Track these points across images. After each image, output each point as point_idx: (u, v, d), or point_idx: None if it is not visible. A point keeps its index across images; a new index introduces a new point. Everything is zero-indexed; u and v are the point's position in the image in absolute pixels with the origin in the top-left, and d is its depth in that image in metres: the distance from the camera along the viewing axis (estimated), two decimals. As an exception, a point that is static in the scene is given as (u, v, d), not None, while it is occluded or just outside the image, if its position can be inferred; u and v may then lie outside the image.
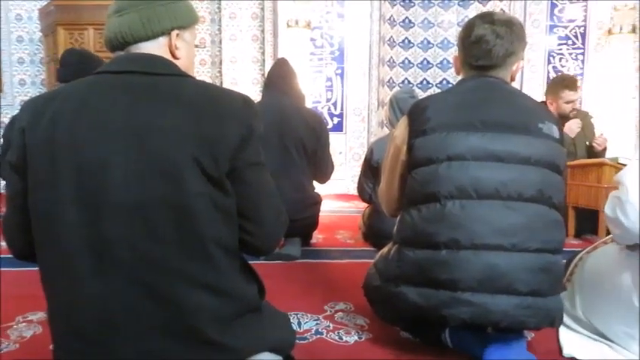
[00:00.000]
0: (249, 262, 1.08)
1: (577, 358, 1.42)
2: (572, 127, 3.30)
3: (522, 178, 1.29)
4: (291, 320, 1.60)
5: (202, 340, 0.95)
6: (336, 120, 5.17)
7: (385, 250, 1.50)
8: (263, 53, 5.08)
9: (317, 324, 1.64)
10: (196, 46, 5.28)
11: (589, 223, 2.94)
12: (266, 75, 3.00)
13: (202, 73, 5.12)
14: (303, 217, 2.50)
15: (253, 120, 0.99)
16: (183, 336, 0.94)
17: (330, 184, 4.17)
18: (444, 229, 1.29)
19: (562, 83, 3.39)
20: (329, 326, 1.63)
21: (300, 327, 1.61)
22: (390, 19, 5.27)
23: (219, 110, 0.96)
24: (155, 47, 1.02)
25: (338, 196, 4.78)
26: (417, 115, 1.39)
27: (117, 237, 0.91)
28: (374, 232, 2.62)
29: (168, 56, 1.03)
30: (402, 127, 1.44)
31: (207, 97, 0.98)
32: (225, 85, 5.01)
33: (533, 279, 1.27)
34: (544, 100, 3.53)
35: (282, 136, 2.45)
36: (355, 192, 2.90)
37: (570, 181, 3.04)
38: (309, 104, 4.25)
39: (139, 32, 1.00)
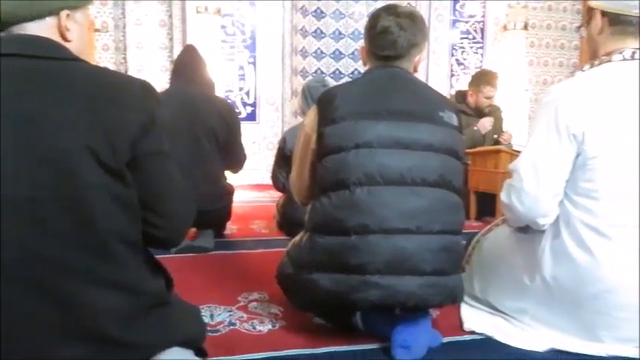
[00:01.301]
0: (160, 256, 1.04)
1: (476, 331, 1.53)
2: (486, 125, 3.51)
3: (425, 164, 1.35)
4: (204, 313, 1.57)
5: (107, 340, 0.90)
6: (249, 109, 5.11)
7: (297, 238, 1.51)
8: (171, 39, 4.88)
9: (230, 315, 1.62)
10: (98, 30, 4.95)
11: (489, 206, 3.15)
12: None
13: (105, 60, 4.82)
14: (216, 208, 2.45)
15: (154, 107, 0.95)
16: (86, 337, 0.89)
17: (245, 174, 4.13)
18: (353, 215, 1.32)
19: (484, 79, 3.59)
20: (242, 317, 1.62)
21: (212, 319, 1.58)
22: (302, 8, 5.27)
23: (115, 97, 0.91)
24: (42, 28, 0.94)
25: (252, 186, 4.75)
26: (325, 104, 1.41)
27: (6, 235, 0.84)
28: (288, 220, 2.63)
29: (58, 38, 0.95)
30: (311, 115, 1.45)
31: (102, 83, 0.92)
32: (132, 73, 4.77)
33: (436, 259, 1.34)
34: (466, 90, 3.70)
35: (192, 125, 2.38)
36: (270, 181, 2.89)
37: (472, 167, 3.25)
38: (220, 93, 4.16)
39: (23, 11, 0.92)
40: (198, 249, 2.38)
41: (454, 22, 5.23)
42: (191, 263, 2.22)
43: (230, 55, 4.95)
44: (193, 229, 2.52)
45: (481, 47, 5.28)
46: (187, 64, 2.54)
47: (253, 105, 5.12)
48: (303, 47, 5.35)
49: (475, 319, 1.58)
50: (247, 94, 5.09)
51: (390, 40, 1.42)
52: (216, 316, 1.61)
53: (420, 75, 5.09)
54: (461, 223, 1.43)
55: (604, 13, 1.44)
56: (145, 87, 0.97)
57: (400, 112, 1.37)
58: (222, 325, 1.55)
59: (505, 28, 5.11)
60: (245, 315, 1.63)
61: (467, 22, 5.25)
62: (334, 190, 1.35)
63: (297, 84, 5.05)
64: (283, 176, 2.65)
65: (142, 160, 0.93)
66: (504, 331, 1.50)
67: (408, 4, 5.12)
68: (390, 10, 1.45)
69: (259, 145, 5.15)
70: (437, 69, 5.23)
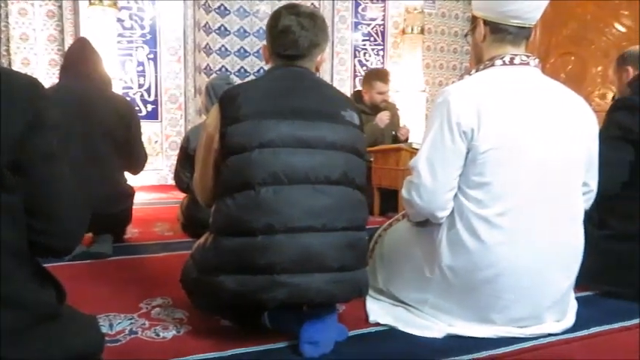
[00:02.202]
0: (50, 264, 0.96)
1: (380, 322, 1.58)
2: (383, 118, 3.65)
3: (329, 162, 1.38)
4: (102, 323, 1.48)
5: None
6: (150, 107, 4.90)
7: (202, 240, 1.48)
8: (62, 32, 4.55)
9: (131, 323, 1.55)
10: (-27, 19, 4.46)
11: (391, 201, 3.29)
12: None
13: (-17, 51, 4.39)
14: (114, 212, 2.32)
15: (41, 104, 0.88)
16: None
17: (147, 175, 3.95)
18: (259, 215, 1.31)
19: (375, 76, 3.75)
20: (145, 324, 1.54)
21: (111, 329, 1.50)
22: (204, 4, 5.15)
23: None
24: None
25: (155, 187, 4.56)
26: (228, 102, 1.39)
27: None
28: (193, 222, 2.56)
29: None
30: (213, 114, 1.42)
31: None
32: (16, 67, 4.38)
33: (342, 255, 1.37)
34: (360, 89, 3.84)
35: (86, 124, 2.23)
36: (173, 182, 2.79)
37: (374, 164, 3.37)
38: (118, 90, 3.95)
39: None
40: (95, 255, 2.24)
41: (356, 24, 5.39)
42: (87, 271, 2.08)
43: (128, 50, 4.72)
44: (89, 235, 2.36)
45: (382, 49, 5.49)
46: (79, 59, 2.37)
47: (154, 103, 4.92)
48: (207, 44, 5.24)
49: (379, 311, 1.64)
50: (148, 91, 4.88)
51: (291, 39, 1.43)
52: (116, 325, 1.53)
53: (325, 75, 5.22)
54: (364, 220, 1.47)
55: (486, 22, 1.56)
56: (32, 83, 0.89)
57: (303, 112, 1.39)
58: (122, 335, 1.47)
59: (404, 32, 5.36)
60: (147, 322, 1.56)
61: (369, 25, 5.44)
62: (239, 190, 1.34)
63: (201, 82, 4.93)
64: (187, 176, 2.57)
65: (28, 162, 0.85)
66: (406, 320, 1.57)
67: (312, 4, 5.20)
68: (291, 9, 1.46)
69: (162, 145, 4.96)
70: (340, 69, 5.37)
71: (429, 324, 1.54)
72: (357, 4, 5.37)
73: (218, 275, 1.35)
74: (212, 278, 1.36)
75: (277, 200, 1.31)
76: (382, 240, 1.81)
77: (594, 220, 1.62)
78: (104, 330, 1.39)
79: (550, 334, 1.52)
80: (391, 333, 1.53)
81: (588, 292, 1.90)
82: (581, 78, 4.71)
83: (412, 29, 5.28)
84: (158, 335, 1.47)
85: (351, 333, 1.50)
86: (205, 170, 1.47)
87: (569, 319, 1.60)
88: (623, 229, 1.85)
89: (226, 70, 5.36)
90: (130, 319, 1.58)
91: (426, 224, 1.57)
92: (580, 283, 1.65)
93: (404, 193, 1.55)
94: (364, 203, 1.47)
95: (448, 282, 1.52)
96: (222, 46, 5.35)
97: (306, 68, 1.48)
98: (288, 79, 1.45)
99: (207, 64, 5.23)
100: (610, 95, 3.77)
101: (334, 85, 5.19)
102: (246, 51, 5.42)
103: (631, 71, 2.03)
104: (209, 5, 5.20)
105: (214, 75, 5.02)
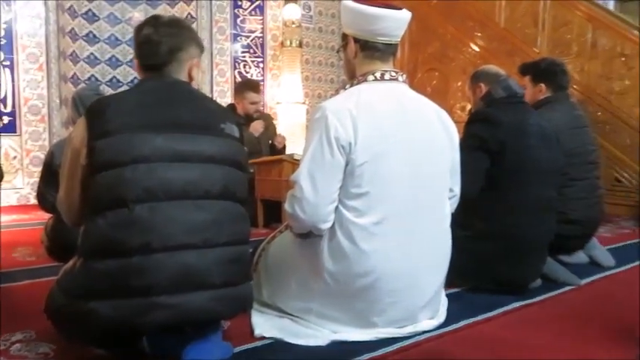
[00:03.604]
0: None
1: (266, 336, 1.57)
2: (257, 128, 3.67)
3: (208, 176, 1.34)
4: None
5: None
6: (6, 119, 4.41)
7: (69, 264, 1.36)
8: None
9: (-14, 364, 1.37)
10: None
11: (275, 212, 3.29)
12: None
13: None
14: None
15: None
16: None
17: (5, 195, 3.55)
18: (133, 234, 1.24)
19: (246, 86, 3.80)
20: (3, 363, 1.38)
21: (-39, 373, 1.31)
22: (69, 9, 4.79)
23: None
24: None
25: (15, 208, 4.12)
26: (96, 115, 1.30)
27: None
28: (59, 244, 2.33)
29: None
30: (80, 128, 1.32)
31: None
32: None
33: (225, 271, 1.34)
34: (233, 102, 3.84)
35: None
36: (36, 202, 2.54)
37: (257, 176, 3.36)
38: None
39: None
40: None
41: (235, 36, 5.36)
42: None
43: (-23, 55, 4.22)
44: None
45: (262, 61, 5.52)
46: None
47: (12, 115, 4.44)
48: (74, 51, 4.87)
49: (265, 325, 1.63)
50: (3, 101, 4.39)
51: (150, 48, 1.41)
52: (-34, 368, 1.34)
53: (204, 87, 5.12)
54: (247, 233, 1.46)
55: (356, 40, 1.65)
56: None
57: (180, 125, 1.34)
58: (-26, 379, 1.29)
59: (282, 44, 5.44)
60: (6, 361, 1.39)
61: (248, 37, 5.44)
62: (110, 208, 1.25)
63: (68, 91, 4.56)
64: (52, 195, 2.34)
65: None
66: (292, 331, 1.58)
67: (189, 14, 5.08)
68: (151, 20, 1.46)
69: (22, 161, 4.49)
70: (220, 81, 5.30)
71: (314, 332, 1.57)
72: (236, 16, 5.35)
73: (89, 301, 1.25)
74: (82, 305, 1.25)
75: (153, 217, 1.25)
76: (266, 252, 1.81)
77: (459, 222, 1.77)
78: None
79: (425, 332, 1.63)
80: (277, 345, 1.53)
81: (457, 288, 2.06)
82: (444, 92, 5.15)
83: (291, 42, 5.39)
84: (19, 374, 1.32)
85: (237, 349, 1.47)
86: (72, 188, 1.35)
87: (441, 316, 1.72)
88: (483, 229, 2.05)
89: (96, 79, 5.02)
90: (-16, 359, 1.40)
91: (309, 235, 1.59)
92: (449, 281, 1.79)
93: (287, 207, 1.57)
94: (246, 217, 1.45)
95: (331, 290, 1.56)
96: (92, 54, 5.00)
97: (178, 79, 1.44)
98: (162, 90, 1.40)
99: (74, 73, 4.86)
100: (469, 107, 4.16)
101: (214, 96, 5.10)
102: (118, 60, 5.12)
103: (483, 87, 2.26)
104: (75, 10, 4.84)
105: (82, 85, 4.68)
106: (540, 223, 2.07)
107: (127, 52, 5.10)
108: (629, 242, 3.13)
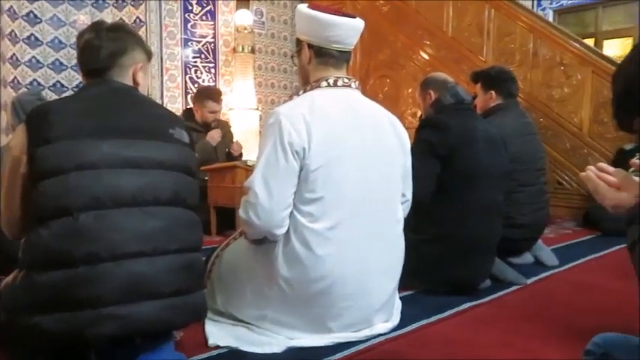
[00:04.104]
0: None
1: (220, 345, 1.55)
2: (214, 137, 3.62)
3: (158, 182, 1.31)
4: None
5: None
6: (-61, 125, 4.17)
7: (10, 278, 1.29)
8: None
9: None
10: None
11: (229, 220, 3.25)
12: None
13: None
14: None
15: None
16: None
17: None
18: (79, 244, 1.18)
19: (207, 95, 3.70)
20: None
21: None
22: (9, 10, 4.58)
23: None
24: None
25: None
26: (37, 121, 1.24)
27: None
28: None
29: None
30: (19, 135, 1.26)
31: None
32: None
33: (176, 279, 1.31)
34: (191, 107, 3.76)
35: None
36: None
37: (210, 183, 3.31)
38: None
39: None
40: None
41: (186, 40, 5.27)
42: None
43: None
44: None
45: (214, 67, 5.45)
46: None
47: (-55, 120, 4.20)
48: (14, 55, 4.66)
49: (219, 334, 1.60)
50: None
51: (92, 52, 1.39)
52: None
53: (154, 92, 5.00)
54: (199, 240, 1.43)
55: (310, 46, 1.66)
56: None
57: (128, 130, 1.30)
58: None
59: (234, 50, 5.40)
60: (-61, 383, 1.30)
61: (199, 42, 5.36)
62: (54, 218, 1.19)
63: (8, 96, 4.35)
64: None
65: None
66: (247, 339, 1.56)
67: (137, 18, 4.97)
68: (94, 25, 1.45)
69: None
70: (171, 86, 5.19)
71: (269, 340, 1.56)
72: (187, 21, 5.27)
73: (32, 316, 1.18)
74: (25, 320, 1.19)
75: (100, 226, 1.20)
76: (220, 260, 1.78)
77: (411, 226, 1.80)
78: None
79: (380, 335, 1.64)
80: (232, 354, 1.51)
81: (410, 291, 2.10)
82: (395, 98, 5.25)
83: (243, 48, 5.35)
84: (-47, 396, 1.24)
85: (190, 360, 1.44)
86: (12, 198, 1.28)
87: (396, 319, 1.75)
88: (434, 232, 2.10)
89: (38, 84, 4.81)
90: None
91: (264, 241, 1.58)
92: (402, 284, 1.82)
93: (241, 213, 1.55)
94: (198, 223, 1.42)
95: (286, 295, 1.55)
96: (33, 57, 4.80)
97: (124, 84, 1.40)
98: (106, 96, 1.36)
99: (15, 77, 4.65)
100: (419, 114, 4.26)
101: (165, 102, 5.00)
102: (62, 64, 4.94)
103: (432, 94, 2.32)
104: (14, 11, 4.63)
105: (24, 89, 4.48)
106: (489, 226, 2.14)
107: (72, 56, 4.92)
108: (570, 242, 3.28)
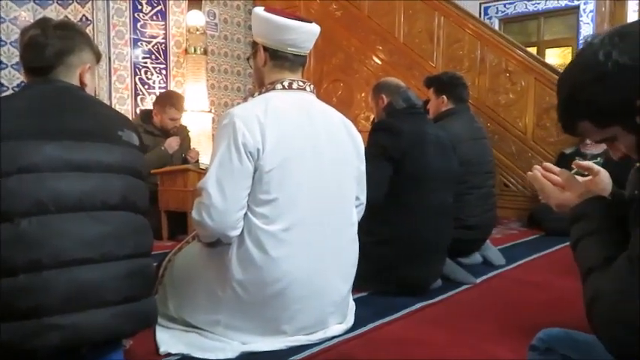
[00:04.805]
0: None
1: (172, 352, 1.51)
2: (172, 145, 3.52)
3: (105, 186, 1.26)
4: None
5: None
6: None
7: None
8: None
9: None
10: None
11: (180, 224, 3.18)
12: None
13: None
14: None
15: None
16: None
17: None
18: (20, 251, 1.13)
19: (169, 101, 3.58)
20: None
21: None
22: (-58, 4, 4.32)
23: None
24: None
25: None
26: (-26, 122, 1.17)
27: None
28: None
29: None
30: (-44, 136, 1.19)
31: None
32: None
33: (125, 286, 1.26)
34: (152, 110, 3.63)
35: None
36: None
37: (161, 187, 3.23)
38: None
39: None
40: None
41: (135, 40, 5.13)
42: None
43: None
44: None
45: (165, 68, 5.33)
46: None
47: None
48: (-52, 52, 4.39)
49: (170, 341, 1.56)
50: None
51: (36, 50, 1.33)
52: None
53: (102, 93, 4.84)
54: (149, 245, 1.39)
55: (266, 49, 1.65)
56: None
57: (73, 132, 1.25)
58: None
59: (186, 52, 5.30)
60: None
61: (149, 43, 5.23)
62: (-6, 224, 1.13)
63: (-59, 96, 4.09)
64: None
65: None
66: (199, 346, 1.53)
67: (84, 16, 4.80)
68: (40, 22, 1.40)
69: None
70: (119, 87, 5.04)
71: (222, 345, 1.53)
72: (136, 20, 5.12)
73: (-26, 328, 1.12)
74: (-38, 333, 1.12)
75: (43, 232, 1.15)
76: (172, 264, 1.74)
77: (364, 228, 1.82)
78: None
79: (334, 337, 1.65)
80: (184, 362, 1.48)
81: (363, 292, 2.12)
82: (349, 102, 5.29)
83: (195, 49, 5.26)
84: None
85: (140, 369, 1.40)
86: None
87: (350, 320, 1.76)
88: (386, 234, 2.13)
89: (-24, 83, 4.56)
90: None
91: (217, 244, 1.56)
92: (356, 286, 1.83)
93: (194, 214, 1.52)
94: (148, 227, 1.38)
95: (239, 299, 1.53)
96: (-30, 55, 4.54)
97: (70, 84, 1.35)
98: (51, 96, 1.30)
99: (-51, 76, 4.38)
100: (372, 117, 4.32)
101: (113, 103, 4.84)
102: (2, 62, 4.69)
103: (385, 98, 2.35)
104: (-51, 6, 4.37)
105: (-41, 88, 4.24)
106: (439, 227, 2.19)
107: (13, 54, 4.68)
108: (516, 242, 3.41)
